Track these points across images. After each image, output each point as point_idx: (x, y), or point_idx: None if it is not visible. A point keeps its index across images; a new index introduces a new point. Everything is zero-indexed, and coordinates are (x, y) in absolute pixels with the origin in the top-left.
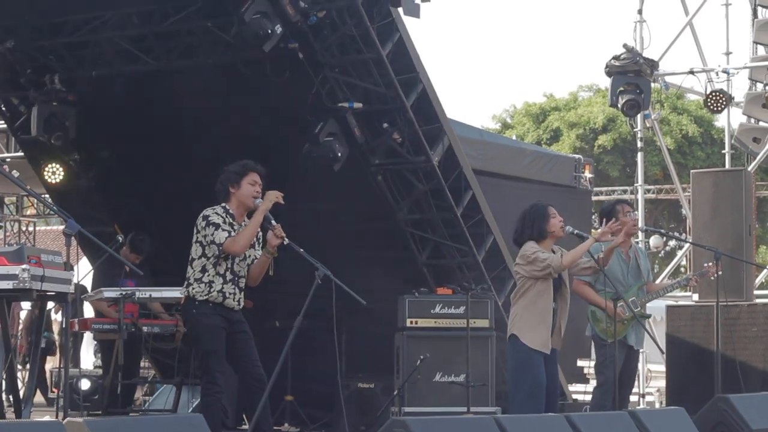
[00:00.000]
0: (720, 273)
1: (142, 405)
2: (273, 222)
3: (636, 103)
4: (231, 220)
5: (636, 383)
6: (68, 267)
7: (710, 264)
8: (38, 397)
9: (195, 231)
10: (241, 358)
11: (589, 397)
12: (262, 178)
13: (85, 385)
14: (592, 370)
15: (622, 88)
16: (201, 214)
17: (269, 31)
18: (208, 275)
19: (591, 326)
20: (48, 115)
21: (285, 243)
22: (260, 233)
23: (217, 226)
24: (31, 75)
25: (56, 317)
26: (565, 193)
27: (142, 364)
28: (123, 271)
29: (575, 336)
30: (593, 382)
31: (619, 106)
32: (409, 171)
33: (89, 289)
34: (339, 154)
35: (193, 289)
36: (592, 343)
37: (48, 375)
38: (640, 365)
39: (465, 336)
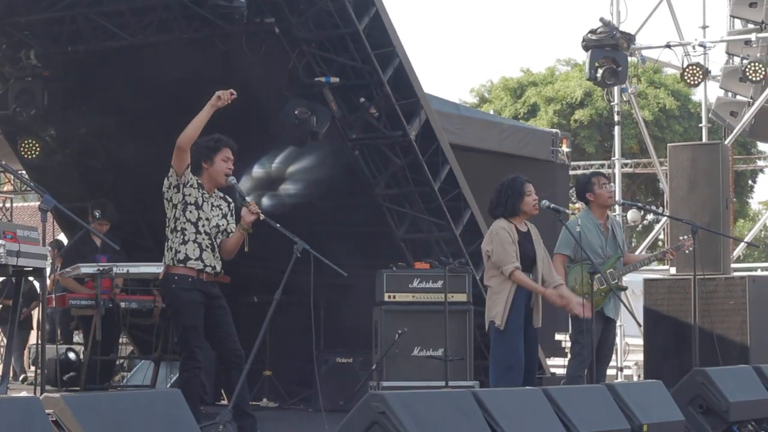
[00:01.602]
0: (694, 246)
1: (121, 381)
2: (247, 198)
3: (614, 72)
4: (202, 191)
5: (614, 357)
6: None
7: (686, 237)
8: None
9: (164, 198)
10: (219, 334)
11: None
12: (234, 154)
13: (72, 357)
14: (569, 344)
15: (599, 63)
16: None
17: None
18: (185, 234)
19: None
20: (23, 90)
21: (261, 218)
22: (231, 207)
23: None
24: (6, 50)
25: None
26: (542, 167)
27: (120, 340)
28: (96, 247)
29: (552, 309)
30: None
31: (598, 77)
32: (386, 146)
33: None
34: (315, 127)
35: (172, 255)
36: (569, 315)
37: (26, 351)
38: (618, 339)
39: (443, 310)
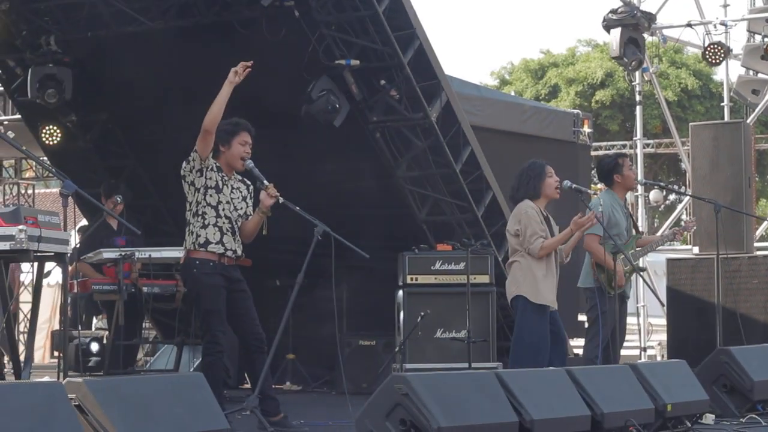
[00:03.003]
0: (694, 228)
1: (144, 365)
2: (265, 182)
3: (637, 54)
4: (221, 173)
5: (638, 337)
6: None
7: (691, 218)
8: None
9: (183, 182)
10: (240, 318)
11: None
12: (253, 139)
13: (94, 347)
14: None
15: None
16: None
17: None
18: (205, 218)
19: (590, 278)
20: (44, 76)
21: (280, 202)
22: (250, 190)
23: (194, 151)
24: (26, 37)
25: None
26: (564, 148)
27: (143, 325)
28: (113, 230)
29: (575, 290)
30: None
31: (627, 58)
32: (407, 128)
33: None
34: (337, 107)
35: (193, 240)
36: (590, 294)
37: (50, 337)
38: (641, 319)
39: (465, 292)
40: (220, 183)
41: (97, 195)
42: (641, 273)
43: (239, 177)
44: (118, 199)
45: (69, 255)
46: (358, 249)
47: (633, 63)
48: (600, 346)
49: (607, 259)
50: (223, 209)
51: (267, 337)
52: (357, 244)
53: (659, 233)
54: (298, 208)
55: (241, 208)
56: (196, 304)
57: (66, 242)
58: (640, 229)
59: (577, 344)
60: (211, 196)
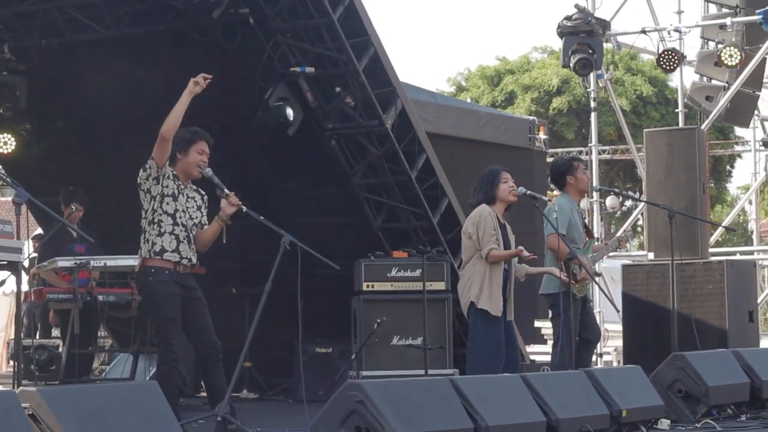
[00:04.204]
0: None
1: (100, 374)
2: (226, 190)
3: (588, 62)
4: (177, 182)
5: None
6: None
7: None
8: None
9: (140, 189)
10: (196, 326)
11: (547, 358)
12: (210, 148)
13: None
14: (549, 331)
15: (574, 48)
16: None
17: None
18: (161, 225)
19: (553, 283)
20: (2, 84)
21: (243, 211)
22: (204, 200)
23: (151, 158)
24: None
25: None
26: (520, 154)
27: (99, 333)
28: (72, 237)
29: (531, 297)
30: (551, 342)
31: (572, 66)
32: (362, 135)
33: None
34: (291, 118)
35: (149, 248)
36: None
37: (5, 346)
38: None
39: (422, 299)
40: (176, 191)
41: (53, 203)
42: (595, 279)
43: (194, 186)
44: (73, 207)
45: (24, 263)
46: (328, 260)
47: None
48: (572, 352)
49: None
50: (180, 217)
51: (222, 346)
52: (312, 250)
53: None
54: (262, 217)
55: (197, 217)
56: (151, 312)
57: (19, 251)
58: (595, 235)
59: (533, 350)
60: (167, 204)
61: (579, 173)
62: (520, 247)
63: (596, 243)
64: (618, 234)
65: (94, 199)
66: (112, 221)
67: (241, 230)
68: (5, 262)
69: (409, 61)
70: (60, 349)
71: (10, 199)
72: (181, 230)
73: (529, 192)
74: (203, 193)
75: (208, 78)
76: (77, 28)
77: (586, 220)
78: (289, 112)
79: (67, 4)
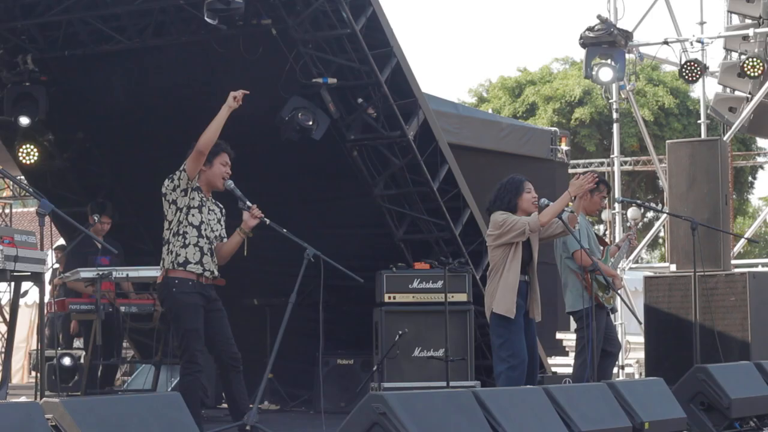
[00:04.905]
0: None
1: (121, 385)
2: (248, 202)
3: (611, 71)
4: (201, 194)
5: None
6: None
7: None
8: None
9: (164, 200)
10: (216, 337)
11: (568, 370)
12: (231, 161)
13: (67, 362)
14: (571, 343)
15: (596, 60)
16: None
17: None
18: (186, 237)
19: (580, 299)
20: (22, 95)
21: (267, 223)
22: (223, 213)
23: (182, 171)
24: (3, 55)
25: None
26: (541, 165)
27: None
28: (97, 249)
29: (553, 309)
30: (573, 355)
31: (594, 76)
32: (384, 146)
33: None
34: (309, 123)
35: (172, 259)
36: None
37: (28, 357)
38: (619, 337)
39: (443, 311)
40: (201, 203)
41: (75, 214)
42: (618, 288)
43: (213, 199)
44: (96, 218)
45: (47, 274)
46: (351, 273)
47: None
48: (595, 365)
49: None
50: (204, 229)
51: (243, 356)
52: (336, 263)
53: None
54: (285, 230)
55: (217, 230)
56: (174, 323)
57: (43, 262)
58: (607, 241)
59: (555, 362)
60: (193, 215)
61: (596, 197)
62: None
63: (611, 248)
64: (627, 233)
65: (115, 210)
66: (132, 232)
67: (262, 241)
68: (29, 273)
69: (431, 72)
70: (82, 360)
71: (32, 209)
72: (205, 242)
73: (551, 203)
74: (221, 206)
75: (245, 93)
76: (100, 39)
77: (607, 231)
78: (305, 118)
79: (90, 16)
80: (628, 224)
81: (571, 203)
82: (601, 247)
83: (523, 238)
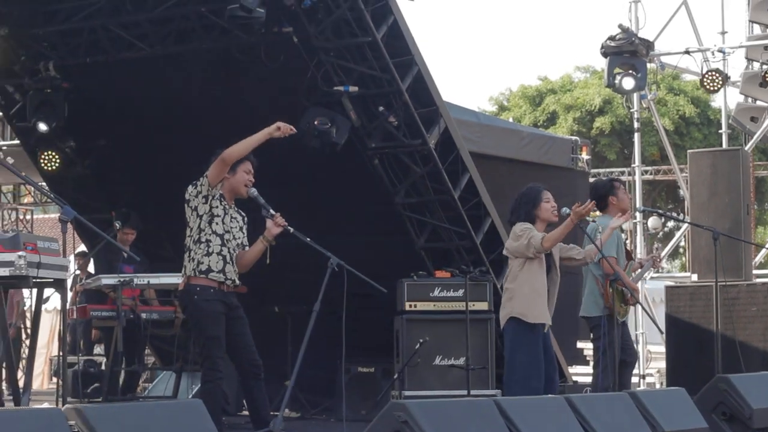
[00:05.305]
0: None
1: (142, 392)
2: (271, 210)
3: (634, 79)
4: (224, 202)
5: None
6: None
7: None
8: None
9: (187, 206)
10: (237, 344)
11: (589, 379)
12: (254, 169)
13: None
14: (591, 352)
15: (618, 69)
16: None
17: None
18: (209, 245)
19: (595, 306)
20: (43, 102)
21: (290, 231)
22: (245, 221)
23: (204, 177)
24: (25, 62)
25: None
26: (562, 174)
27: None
28: (121, 257)
29: (574, 318)
30: (593, 364)
31: (616, 84)
32: (405, 154)
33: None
34: (328, 125)
35: (194, 266)
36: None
37: (48, 362)
38: (640, 347)
39: (464, 319)
40: (223, 212)
41: (96, 221)
42: (639, 300)
43: (236, 207)
44: (117, 224)
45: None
46: (375, 284)
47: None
48: (615, 374)
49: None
50: (227, 238)
51: (263, 364)
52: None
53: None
54: (308, 239)
55: (239, 238)
56: (196, 330)
57: (65, 268)
58: (637, 256)
59: (576, 371)
60: (216, 224)
61: (621, 194)
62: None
63: (635, 263)
64: (653, 254)
65: (140, 220)
66: (153, 239)
67: (283, 249)
68: (51, 280)
69: (451, 80)
70: (103, 367)
71: (54, 216)
72: (227, 251)
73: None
74: (243, 214)
75: (293, 131)
76: (122, 46)
77: (628, 241)
78: (322, 122)
79: (112, 23)
80: (656, 247)
81: (594, 214)
82: (626, 261)
83: (530, 255)
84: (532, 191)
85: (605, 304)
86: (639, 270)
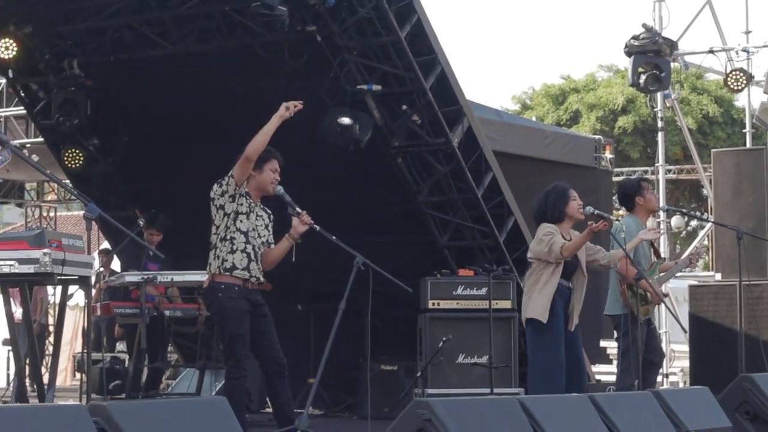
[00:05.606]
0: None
1: (165, 389)
2: (297, 209)
3: (657, 79)
4: (249, 200)
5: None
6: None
7: (699, 245)
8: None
9: (212, 204)
10: (262, 342)
11: (612, 378)
12: (281, 167)
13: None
14: (615, 351)
15: (642, 69)
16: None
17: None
18: (234, 243)
19: (618, 304)
20: (66, 100)
21: (317, 230)
22: (271, 218)
23: (230, 177)
24: (49, 60)
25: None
26: (585, 173)
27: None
28: (146, 254)
29: (597, 317)
30: (616, 363)
31: (641, 84)
32: (429, 153)
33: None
34: (349, 121)
35: (219, 264)
36: (620, 320)
37: (71, 359)
38: (663, 345)
39: (487, 317)
40: (249, 209)
41: (119, 218)
42: (663, 299)
43: (261, 205)
44: (141, 221)
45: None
46: (401, 283)
47: (650, 81)
48: (638, 374)
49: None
50: (252, 236)
51: (288, 362)
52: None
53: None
54: (334, 237)
55: (264, 236)
56: (220, 328)
57: (90, 266)
58: (662, 255)
59: (599, 370)
60: (241, 221)
61: (648, 194)
62: (590, 226)
63: (665, 263)
64: (688, 252)
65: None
66: (176, 236)
67: (305, 247)
68: (76, 277)
69: (474, 79)
70: (126, 364)
71: (77, 213)
72: (252, 248)
73: (597, 211)
74: (269, 211)
75: (298, 106)
76: (145, 44)
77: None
78: (343, 119)
79: (136, 21)
80: (696, 245)
81: (618, 213)
82: (654, 259)
83: (550, 259)
84: (560, 189)
85: (624, 303)
86: (670, 270)
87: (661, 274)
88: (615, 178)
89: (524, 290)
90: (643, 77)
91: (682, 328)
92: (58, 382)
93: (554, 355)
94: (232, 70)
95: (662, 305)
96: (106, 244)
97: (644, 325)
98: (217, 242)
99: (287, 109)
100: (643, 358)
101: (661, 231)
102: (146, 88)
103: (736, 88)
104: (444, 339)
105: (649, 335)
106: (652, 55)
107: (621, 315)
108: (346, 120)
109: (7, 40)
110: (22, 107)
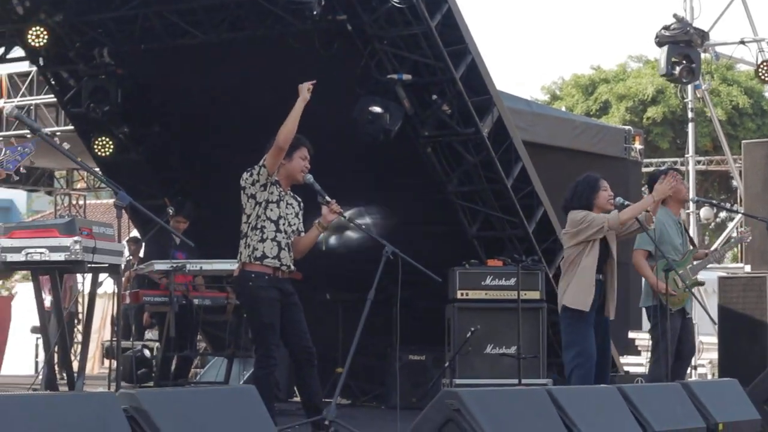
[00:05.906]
0: (750, 238)
1: (193, 377)
2: (327, 197)
3: (691, 70)
4: (279, 188)
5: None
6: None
7: (743, 229)
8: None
9: (243, 193)
10: (291, 330)
11: (641, 369)
12: (310, 155)
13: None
14: (643, 342)
15: (673, 59)
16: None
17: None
18: (264, 231)
19: (650, 297)
20: (97, 88)
21: (346, 218)
22: (301, 206)
23: (262, 166)
24: (80, 49)
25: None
26: (615, 164)
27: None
28: (174, 243)
29: (626, 308)
30: (645, 354)
31: (674, 74)
32: (458, 143)
33: None
34: (379, 110)
35: (249, 253)
36: (649, 314)
37: (99, 347)
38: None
39: (516, 308)
40: (279, 198)
41: (149, 207)
42: (699, 287)
43: (292, 193)
44: (170, 210)
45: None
46: (430, 273)
47: (684, 73)
48: (668, 366)
49: (648, 274)
50: (282, 224)
51: (316, 351)
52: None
53: (713, 247)
54: (363, 225)
55: (295, 224)
56: (250, 317)
57: (120, 254)
58: (696, 243)
59: (627, 362)
60: (271, 210)
61: (678, 183)
62: (623, 204)
63: (699, 251)
64: (718, 242)
65: (195, 209)
66: (206, 225)
67: (337, 236)
68: (106, 265)
69: (504, 69)
70: (155, 352)
71: (106, 201)
72: (282, 237)
73: (626, 202)
74: (300, 199)
75: (311, 86)
76: (176, 33)
77: None
78: (375, 108)
79: (166, 9)
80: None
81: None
82: (690, 248)
83: (601, 235)
84: (591, 179)
85: (653, 294)
86: (706, 258)
87: (695, 263)
88: (645, 169)
89: (561, 276)
90: (677, 68)
91: (711, 319)
92: (87, 369)
93: (584, 345)
94: (263, 60)
95: (690, 299)
96: (134, 233)
97: (678, 316)
98: (247, 231)
99: (307, 90)
100: (675, 350)
101: (686, 209)
102: (176, 77)
103: (767, 79)
104: (472, 329)
105: (685, 328)
106: (683, 45)
107: (652, 306)
108: (377, 109)
109: (37, 28)
110: (53, 95)
